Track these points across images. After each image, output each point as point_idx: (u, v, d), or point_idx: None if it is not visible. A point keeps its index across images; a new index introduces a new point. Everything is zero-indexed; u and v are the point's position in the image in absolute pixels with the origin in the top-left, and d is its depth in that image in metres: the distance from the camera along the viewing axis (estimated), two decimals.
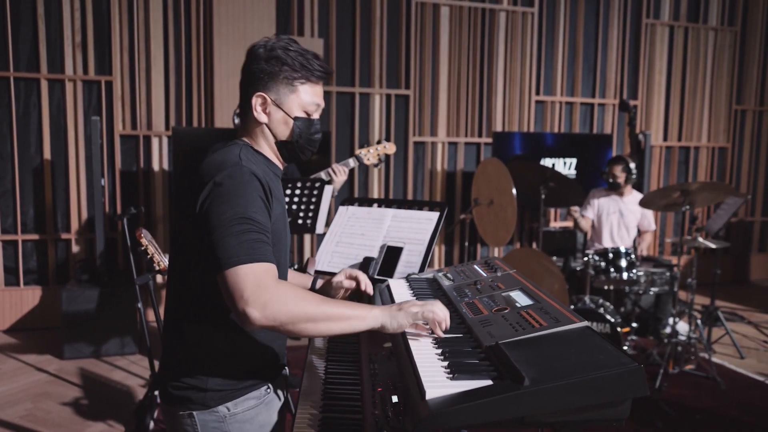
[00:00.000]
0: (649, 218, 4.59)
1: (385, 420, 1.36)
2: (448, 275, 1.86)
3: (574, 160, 5.67)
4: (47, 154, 4.79)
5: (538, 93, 6.03)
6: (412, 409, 1.09)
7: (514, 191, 3.63)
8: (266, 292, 1.25)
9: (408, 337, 1.36)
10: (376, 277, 2.18)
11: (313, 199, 3.10)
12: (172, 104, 5.00)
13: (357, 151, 3.44)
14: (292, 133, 1.51)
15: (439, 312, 1.36)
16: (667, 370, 3.79)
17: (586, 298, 3.83)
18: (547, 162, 5.62)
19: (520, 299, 1.49)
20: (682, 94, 6.56)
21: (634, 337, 4.19)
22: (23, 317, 4.80)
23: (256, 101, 1.47)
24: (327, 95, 5.38)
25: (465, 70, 5.76)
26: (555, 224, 6.23)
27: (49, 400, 3.52)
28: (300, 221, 3.16)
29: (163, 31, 4.94)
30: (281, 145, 1.53)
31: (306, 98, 1.49)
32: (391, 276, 2.13)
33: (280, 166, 1.58)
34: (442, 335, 1.35)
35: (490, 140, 5.78)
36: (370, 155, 3.46)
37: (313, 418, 1.45)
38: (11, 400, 3.52)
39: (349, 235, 2.40)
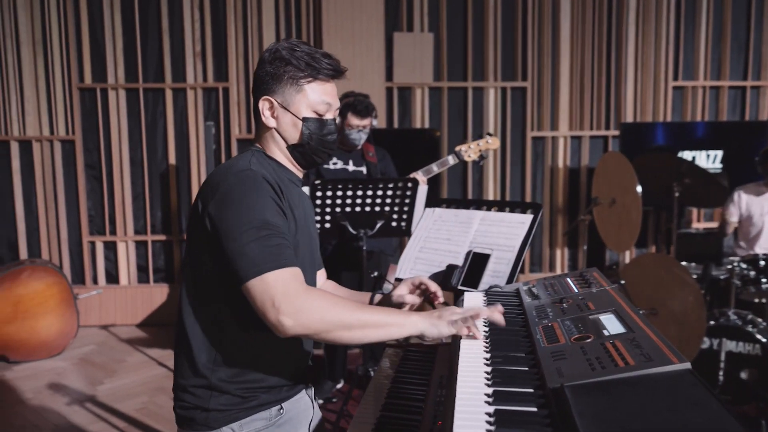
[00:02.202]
0: None
1: None
2: (534, 290, 1.59)
3: (719, 153, 4.96)
4: (172, 160, 5.07)
5: (676, 78, 5.37)
6: None
7: (638, 189, 3.19)
8: (297, 299, 1.19)
9: (460, 364, 1.14)
10: (459, 287, 1.95)
11: (407, 200, 2.92)
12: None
13: (457, 148, 3.21)
14: (302, 135, 1.41)
15: (484, 310, 1.30)
16: None
17: (731, 313, 3.27)
18: (686, 155, 4.97)
19: (610, 325, 1.19)
20: None
21: None
22: (153, 313, 5.12)
23: (263, 105, 1.41)
24: (438, 91, 5.18)
25: (589, 56, 5.27)
26: (698, 225, 5.52)
27: (164, 395, 3.67)
28: (394, 223, 2.99)
29: (275, 35, 5.02)
30: (293, 149, 1.43)
31: (314, 97, 1.40)
32: (475, 287, 1.90)
33: (297, 173, 1.48)
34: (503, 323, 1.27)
35: (618, 133, 5.24)
36: (470, 151, 3.22)
37: None
38: (131, 392, 3.72)
39: (434, 240, 2.19)
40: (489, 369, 1.12)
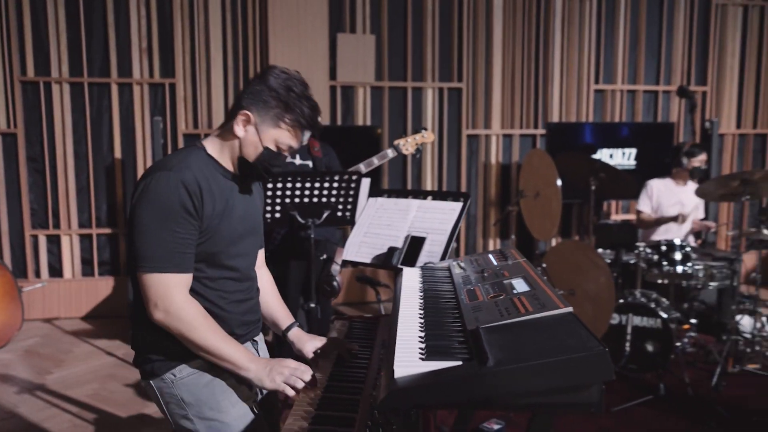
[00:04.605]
0: (699, 207, 4.43)
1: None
2: (461, 264, 1.87)
3: (634, 151, 5.46)
4: (118, 153, 5.13)
5: (597, 82, 5.85)
6: (384, 384, 1.13)
7: (558, 183, 3.56)
8: (171, 305, 1.49)
9: (399, 317, 1.41)
10: (399, 266, 2.22)
11: (351, 192, 3.16)
12: (231, 104, 5.22)
13: (395, 142, 3.49)
14: (256, 158, 1.62)
15: (298, 377, 1.53)
16: (726, 369, 3.60)
17: (637, 292, 3.70)
18: (604, 153, 5.45)
19: (519, 286, 1.49)
20: (758, 78, 6.16)
21: (693, 334, 4.01)
22: (98, 305, 5.17)
23: (240, 116, 1.58)
24: (379, 90, 5.45)
25: (519, 60, 5.67)
26: (617, 217, 6.03)
27: (115, 382, 3.78)
28: (339, 213, 3.23)
29: (221, 34, 5.16)
30: (242, 161, 1.64)
31: (283, 138, 1.61)
32: (413, 265, 2.17)
33: (233, 170, 1.67)
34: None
35: (545, 131, 5.66)
36: (408, 145, 3.50)
37: (314, 397, 1.51)
38: (81, 380, 3.81)
39: (377, 226, 2.46)
40: (422, 320, 1.39)
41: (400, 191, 2.53)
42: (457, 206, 2.30)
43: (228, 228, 1.61)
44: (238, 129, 1.59)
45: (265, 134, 1.59)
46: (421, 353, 1.18)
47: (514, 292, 1.44)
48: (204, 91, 5.18)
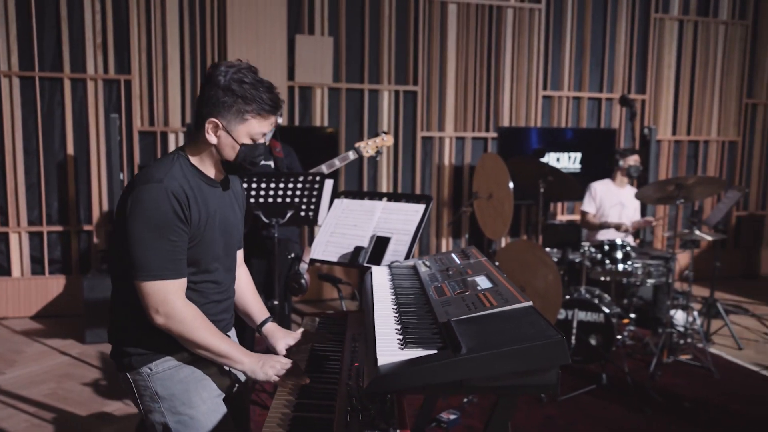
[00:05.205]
0: (637, 208, 4.75)
1: (356, 389, 1.53)
2: (427, 263, 2.01)
3: (579, 155, 5.76)
4: (70, 150, 5.04)
5: (545, 88, 6.12)
6: (367, 372, 1.25)
7: (510, 185, 3.75)
8: (172, 310, 1.59)
9: (375, 312, 1.53)
10: (365, 265, 2.34)
11: (314, 193, 3.26)
12: (188, 102, 5.21)
13: (356, 144, 3.60)
14: (237, 156, 1.70)
15: (281, 372, 1.64)
16: (661, 359, 3.89)
17: (582, 289, 3.94)
18: (551, 156, 5.72)
19: (483, 283, 1.63)
20: (692, 88, 6.58)
21: (632, 328, 4.29)
22: (48, 304, 5.07)
23: (209, 125, 1.65)
24: (336, 92, 5.55)
25: (472, 66, 5.88)
26: (562, 217, 6.32)
27: (71, 381, 3.75)
28: (302, 213, 3.33)
29: (179, 32, 5.15)
30: (226, 163, 1.72)
31: (254, 129, 1.68)
32: (378, 264, 2.29)
33: (218, 176, 1.76)
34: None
35: (496, 135, 5.89)
36: (368, 147, 3.62)
37: (294, 387, 1.62)
38: (36, 380, 3.76)
39: (343, 226, 2.57)
40: (396, 315, 1.52)
41: (364, 193, 2.65)
42: (420, 208, 2.43)
43: (211, 235, 1.70)
44: (210, 137, 1.66)
45: (236, 133, 1.66)
46: (399, 343, 1.31)
47: (479, 288, 1.59)
48: (160, 89, 5.15)
